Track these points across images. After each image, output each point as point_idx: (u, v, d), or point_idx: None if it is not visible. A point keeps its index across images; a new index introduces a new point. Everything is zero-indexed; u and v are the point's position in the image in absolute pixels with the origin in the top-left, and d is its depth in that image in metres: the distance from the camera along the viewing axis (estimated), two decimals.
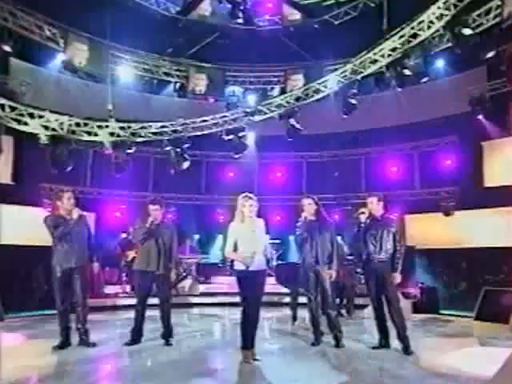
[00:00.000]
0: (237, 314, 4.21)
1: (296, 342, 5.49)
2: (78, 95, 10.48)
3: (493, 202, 10.82)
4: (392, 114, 12.36)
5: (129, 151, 8.61)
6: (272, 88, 11.20)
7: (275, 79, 10.75)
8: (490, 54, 8.13)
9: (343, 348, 5.08)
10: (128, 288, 11.32)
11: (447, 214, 12.64)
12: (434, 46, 8.35)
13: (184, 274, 11.56)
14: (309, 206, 5.41)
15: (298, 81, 9.95)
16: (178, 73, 10.62)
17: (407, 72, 8.16)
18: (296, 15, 9.18)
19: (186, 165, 9.25)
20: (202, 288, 11.51)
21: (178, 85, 11.04)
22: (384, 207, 5.28)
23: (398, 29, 8.12)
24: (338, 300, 7.81)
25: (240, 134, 9.36)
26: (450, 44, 8.11)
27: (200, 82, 10.20)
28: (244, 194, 4.49)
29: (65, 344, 5.09)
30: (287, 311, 7.81)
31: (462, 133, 11.93)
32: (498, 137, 11.16)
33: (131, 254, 11.16)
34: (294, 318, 6.94)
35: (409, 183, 14.18)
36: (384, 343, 5.09)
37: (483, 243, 10.62)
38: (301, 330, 6.40)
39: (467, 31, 7.17)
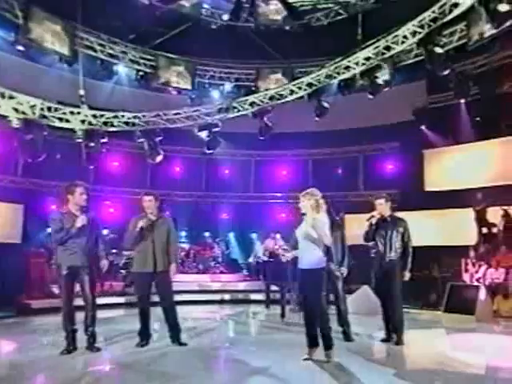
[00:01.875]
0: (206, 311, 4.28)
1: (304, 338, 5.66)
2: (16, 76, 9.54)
3: (432, 205, 11.92)
4: (340, 118, 12.90)
5: (103, 141, 8.07)
6: (219, 85, 11.11)
7: (244, 76, 10.79)
8: (446, 72, 9.12)
9: (355, 342, 5.33)
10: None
11: None
12: (403, 59, 9.06)
13: None
14: (323, 206, 5.61)
15: (275, 80, 10.11)
16: (144, 61, 10.18)
17: (379, 81, 8.75)
18: (278, 15, 9.31)
19: (159, 158, 8.92)
20: None
21: (140, 73, 10.55)
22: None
23: (374, 40, 8.66)
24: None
25: (214, 130, 9.26)
26: (417, 58, 8.89)
27: (172, 74, 9.89)
28: (304, 192, 4.50)
29: (71, 348, 4.73)
30: (254, 307, 7.95)
31: (405, 140, 12.94)
32: (438, 146, 12.37)
33: None
34: (283, 314, 7.09)
35: (353, 184, 15.12)
36: (391, 337, 5.40)
37: (415, 243, 11.62)
38: (291, 325, 6.59)
39: (438, 49, 7.90)
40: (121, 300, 9.72)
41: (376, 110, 12.26)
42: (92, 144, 8.01)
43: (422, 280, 10.78)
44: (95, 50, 9.55)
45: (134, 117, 8.73)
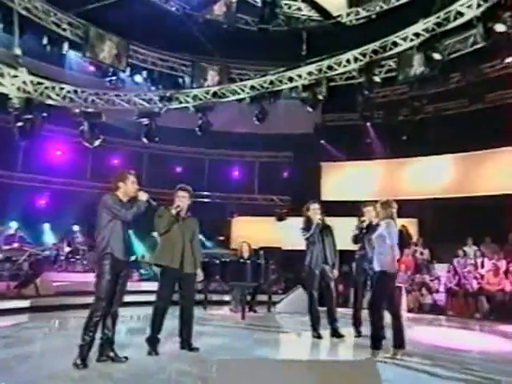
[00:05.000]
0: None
1: (297, 338, 5.79)
2: None
3: (327, 213, 13.22)
4: (240, 121, 13.26)
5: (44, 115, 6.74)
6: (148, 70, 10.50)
7: (178, 67, 10.29)
8: (360, 99, 10.55)
9: (345, 337, 5.73)
10: None
11: (280, 219, 14.60)
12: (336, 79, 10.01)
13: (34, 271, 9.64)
14: (318, 211, 5.93)
15: (210, 77, 9.89)
16: (71, 28, 8.82)
17: (320, 97, 9.52)
18: (221, 12, 9.18)
19: (97, 142, 7.88)
20: None
21: (53, 39, 9.09)
22: None
23: (319, 58, 9.38)
24: (250, 297, 8.34)
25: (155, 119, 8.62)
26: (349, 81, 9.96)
27: (103, 49, 8.79)
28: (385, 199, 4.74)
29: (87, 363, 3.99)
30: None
31: (304, 151, 14.11)
32: (334, 160, 13.88)
33: None
34: (243, 316, 7.06)
35: (248, 188, 15.71)
36: (359, 333, 5.89)
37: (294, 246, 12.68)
38: (267, 326, 6.67)
39: (377, 78, 9.06)
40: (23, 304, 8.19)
41: (276, 120, 13.01)
42: (29, 116, 6.61)
43: None
44: (12, 1, 7.90)
45: (75, 91, 7.50)
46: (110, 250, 4.03)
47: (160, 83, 10.46)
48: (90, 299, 9.19)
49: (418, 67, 8.77)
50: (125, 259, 4.18)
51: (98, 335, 4.10)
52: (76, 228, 12.76)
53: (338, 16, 9.03)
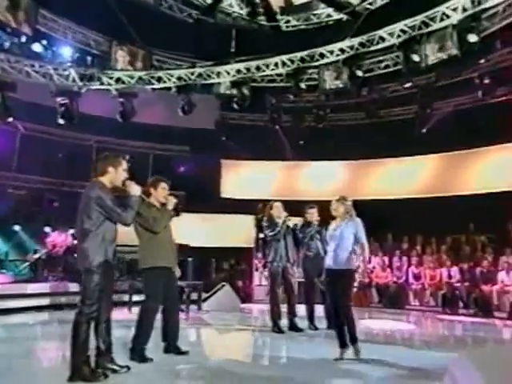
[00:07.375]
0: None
1: (259, 336, 5.75)
2: None
3: (227, 210, 13.27)
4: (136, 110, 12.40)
5: None
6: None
7: (93, 43, 9.10)
8: (273, 101, 11.10)
9: (304, 331, 5.93)
10: None
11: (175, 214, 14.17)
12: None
13: None
14: (280, 209, 6.03)
15: (129, 60, 8.98)
16: None
17: (246, 93, 9.61)
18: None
19: (11, 119, 6.50)
20: None
21: None
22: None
23: (248, 57, 9.46)
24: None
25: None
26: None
27: (8, 8, 7.24)
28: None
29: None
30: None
31: (202, 146, 13.85)
32: (235, 158, 14.00)
33: None
34: (187, 315, 6.73)
35: (140, 181, 14.68)
36: (315, 327, 6.22)
37: (200, 243, 12.65)
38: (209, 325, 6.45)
39: (302, 85, 9.56)
40: None
41: (174, 112, 12.38)
42: None
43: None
44: None
45: None
46: (105, 257, 3.51)
47: (64, 57, 9.15)
48: None
49: (338, 80, 9.51)
50: (114, 262, 3.76)
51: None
52: None
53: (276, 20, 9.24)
